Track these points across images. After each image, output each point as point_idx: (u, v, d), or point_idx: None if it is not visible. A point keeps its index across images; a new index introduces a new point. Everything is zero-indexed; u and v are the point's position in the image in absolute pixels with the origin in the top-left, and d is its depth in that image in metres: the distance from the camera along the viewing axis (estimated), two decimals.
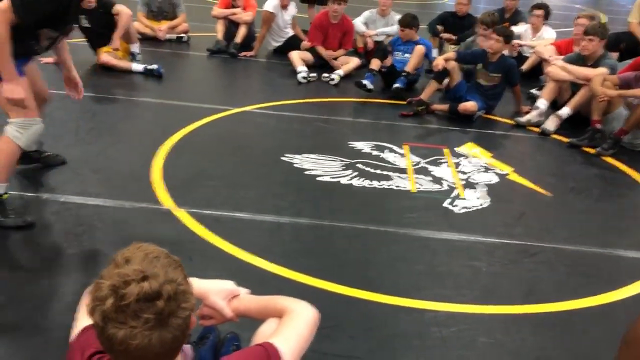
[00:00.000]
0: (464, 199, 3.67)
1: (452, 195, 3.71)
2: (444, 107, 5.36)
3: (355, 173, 3.91)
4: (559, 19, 10.28)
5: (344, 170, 3.94)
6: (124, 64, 5.92)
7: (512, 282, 2.83)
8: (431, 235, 3.19)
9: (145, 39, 7.07)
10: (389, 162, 4.15)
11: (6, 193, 2.95)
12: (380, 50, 5.90)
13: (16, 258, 2.73)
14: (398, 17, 6.41)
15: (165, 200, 3.31)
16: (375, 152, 4.30)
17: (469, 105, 5.17)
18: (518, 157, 4.57)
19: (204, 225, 3.06)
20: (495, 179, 4.03)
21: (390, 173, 3.97)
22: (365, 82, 5.59)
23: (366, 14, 6.99)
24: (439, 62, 5.29)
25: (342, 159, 4.11)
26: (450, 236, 3.20)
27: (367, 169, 4.00)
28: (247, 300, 1.61)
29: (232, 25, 7.07)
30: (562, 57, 5.59)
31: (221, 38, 6.99)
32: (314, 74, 6.19)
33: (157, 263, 1.11)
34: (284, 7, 6.85)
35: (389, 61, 5.95)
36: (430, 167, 4.12)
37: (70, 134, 4.22)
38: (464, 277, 2.84)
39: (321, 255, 2.93)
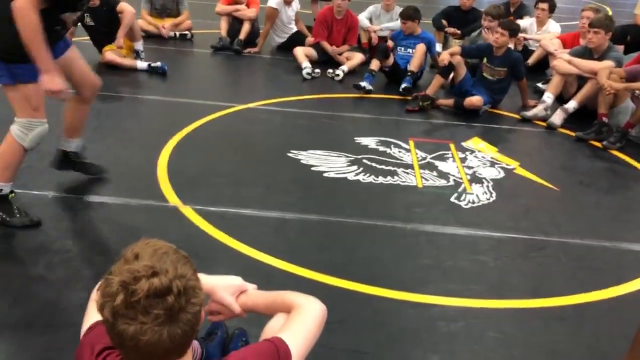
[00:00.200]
0: (471, 193, 3.66)
1: (459, 190, 3.70)
2: (450, 102, 5.34)
3: (361, 169, 3.90)
4: (564, 12, 10.23)
5: (350, 166, 3.94)
6: (128, 62, 5.92)
7: (520, 277, 2.82)
8: (438, 230, 3.18)
9: (149, 37, 7.07)
10: (395, 158, 4.13)
11: (12, 192, 2.96)
12: (381, 50, 5.84)
13: (24, 256, 2.73)
14: None
15: (172, 197, 3.31)
16: (381, 148, 4.29)
17: (475, 99, 5.15)
18: (524, 152, 4.54)
19: (211, 222, 3.06)
20: (501, 174, 4.01)
21: (396, 168, 3.96)
22: (363, 84, 5.55)
23: (370, 9, 6.97)
24: (444, 57, 5.26)
25: (348, 155, 4.10)
26: (457, 231, 3.19)
27: (373, 164, 3.99)
28: (255, 295, 1.61)
29: (235, 22, 7.06)
30: (568, 50, 5.56)
31: (225, 35, 6.98)
32: (319, 70, 6.17)
33: (166, 259, 1.11)
34: (287, 3, 6.83)
35: (390, 61, 5.90)
36: (437, 162, 4.11)
37: None
38: (471, 271, 2.83)
39: (328, 251, 2.93)
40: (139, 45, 6.10)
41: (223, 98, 5.24)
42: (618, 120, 4.82)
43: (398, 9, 6.83)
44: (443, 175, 3.91)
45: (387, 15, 6.89)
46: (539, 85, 6.07)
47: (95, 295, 1.12)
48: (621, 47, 6.01)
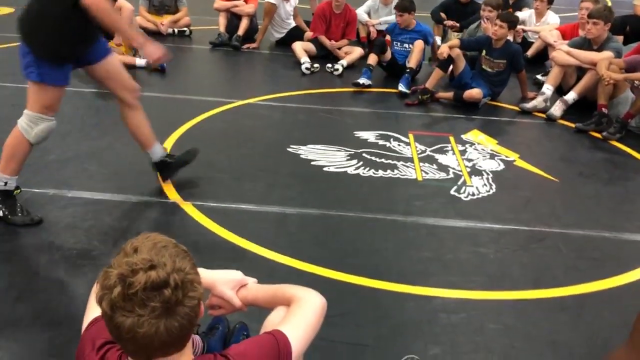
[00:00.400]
0: (471, 186, 3.66)
1: (459, 182, 3.70)
2: (449, 95, 5.34)
3: (361, 163, 3.90)
4: (563, 3, 10.19)
5: (349, 160, 3.94)
6: (127, 59, 5.91)
7: (521, 268, 2.82)
8: (438, 223, 3.19)
9: (148, 34, 7.04)
10: (394, 151, 4.14)
11: (18, 189, 2.96)
12: (378, 45, 5.81)
13: (26, 253, 2.74)
14: None
15: (172, 193, 3.31)
16: (380, 142, 4.29)
17: (474, 92, 5.14)
18: (524, 143, 4.54)
19: (211, 218, 3.07)
20: (501, 166, 4.02)
21: (396, 162, 3.96)
22: (361, 80, 5.54)
23: (369, 2, 6.95)
24: (443, 51, 5.25)
25: (347, 149, 4.11)
26: (457, 223, 3.19)
27: (373, 158, 3.99)
28: (255, 289, 1.61)
29: (234, 18, 7.05)
30: (567, 41, 5.55)
31: (223, 31, 6.97)
32: (317, 65, 6.17)
33: (165, 252, 1.12)
34: None
35: (388, 55, 5.88)
36: (436, 155, 4.11)
37: (76, 130, 4.23)
38: (472, 263, 2.83)
39: (329, 245, 2.93)
40: None
41: (222, 94, 5.24)
42: (618, 111, 4.81)
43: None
44: (443, 168, 3.91)
45: (385, 9, 6.87)
46: (539, 77, 6.06)
47: (95, 289, 1.13)
48: (620, 38, 6.00)
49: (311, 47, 6.53)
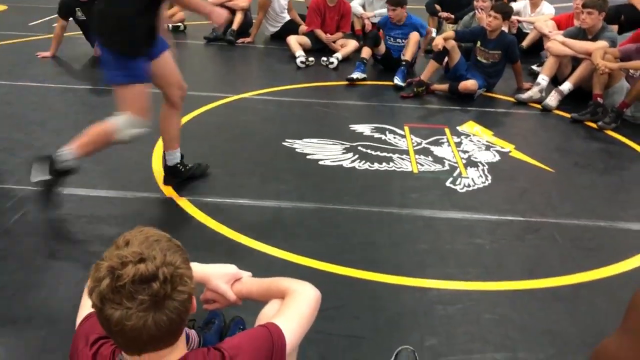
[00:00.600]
0: (466, 177, 3.66)
1: (454, 174, 3.70)
2: (444, 87, 5.33)
3: (357, 156, 3.90)
4: None
5: (345, 153, 3.94)
6: None
7: (517, 259, 2.83)
8: (434, 215, 3.19)
9: None
10: (390, 144, 4.13)
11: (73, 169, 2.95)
12: (371, 38, 5.79)
13: (22, 251, 2.73)
14: None
15: (167, 189, 3.31)
16: (376, 135, 4.29)
17: (469, 84, 5.14)
18: (520, 134, 4.54)
19: (207, 213, 3.07)
20: (497, 157, 4.02)
21: (391, 155, 3.96)
22: (355, 75, 5.52)
23: None
24: (438, 42, 5.24)
25: (343, 142, 4.10)
26: (453, 215, 3.20)
27: (369, 151, 3.99)
28: (250, 283, 1.62)
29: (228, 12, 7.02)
30: (562, 32, 5.54)
31: (218, 26, 6.94)
32: (312, 58, 6.15)
33: (156, 246, 1.12)
34: None
35: (382, 48, 5.86)
36: (432, 147, 4.11)
37: (70, 127, 4.21)
38: (468, 255, 2.84)
39: (325, 239, 2.93)
40: None
41: (217, 89, 5.23)
42: (613, 100, 4.81)
43: None
44: (438, 160, 3.91)
45: (380, 2, 6.85)
46: (534, 67, 6.05)
47: (88, 284, 1.13)
48: (615, 27, 5.99)
49: (306, 40, 6.52)
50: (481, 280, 2.63)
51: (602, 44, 4.88)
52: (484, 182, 3.62)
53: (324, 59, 6.15)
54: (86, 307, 1.35)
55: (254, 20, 7.07)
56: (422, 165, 3.82)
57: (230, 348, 1.23)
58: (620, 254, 2.89)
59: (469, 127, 4.55)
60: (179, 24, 7.34)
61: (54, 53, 5.94)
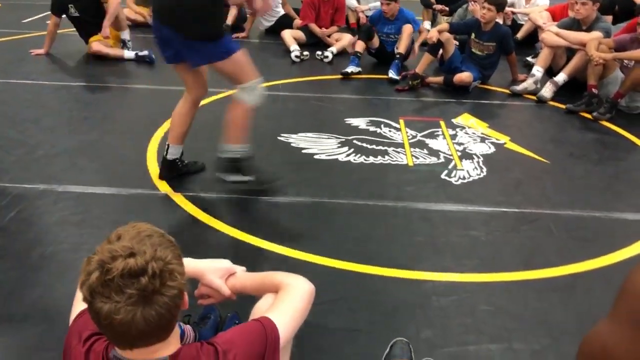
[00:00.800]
0: (461, 169, 3.67)
1: (449, 166, 3.71)
2: (439, 79, 5.32)
3: (352, 150, 3.90)
4: None
5: (340, 147, 3.94)
6: (115, 51, 5.88)
7: (512, 250, 2.84)
8: (429, 207, 3.19)
9: (136, 26, 7.02)
10: (385, 137, 4.13)
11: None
12: (364, 31, 5.77)
13: (17, 249, 2.73)
14: None
15: (162, 185, 3.31)
16: (371, 128, 4.29)
17: (464, 76, 5.13)
18: (515, 126, 4.55)
19: (202, 208, 3.07)
20: (492, 149, 4.02)
21: (387, 148, 3.96)
22: (349, 69, 5.51)
23: None
24: (432, 35, 5.23)
25: (338, 136, 4.10)
26: (449, 207, 3.20)
27: (364, 145, 3.99)
28: (244, 277, 1.62)
29: None
30: (556, 23, 5.54)
31: None
32: (307, 53, 6.14)
33: (147, 241, 1.12)
34: None
35: (376, 42, 5.84)
36: (427, 140, 4.11)
37: (64, 124, 4.21)
38: (463, 247, 2.84)
39: (321, 233, 2.94)
40: (126, 35, 6.06)
41: (211, 84, 5.13)
42: (608, 90, 4.81)
43: None
44: (433, 152, 3.91)
45: None
46: (529, 59, 6.05)
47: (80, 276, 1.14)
48: (609, 18, 5.99)
49: (301, 34, 6.50)
50: (476, 272, 2.64)
51: (596, 34, 4.88)
52: (479, 174, 3.62)
53: (319, 53, 6.14)
54: (79, 303, 1.35)
55: (248, 15, 7.05)
56: (417, 158, 3.82)
57: (223, 342, 1.24)
58: (616, 243, 2.90)
59: (464, 119, 4.55)
60: None
61: (48, 50, 5.92)
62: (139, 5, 7.25)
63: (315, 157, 3.79)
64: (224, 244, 2.79)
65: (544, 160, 3.86)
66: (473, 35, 5.32)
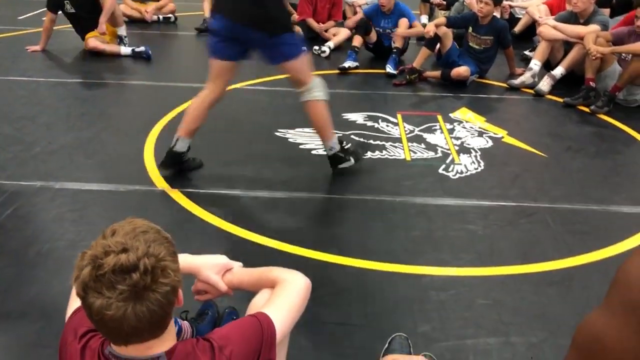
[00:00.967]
0: (459, 164, 3.66)
1: (447, 161, 3.70)
2: (437, 73, 5.31)
3: (350, 144, 3.88)
4: None
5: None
6: (111, 48, 5.86)
7: (510, 244, 2.84)
8: (427, 202, 3.19)
9: (132, 22, 7.00)
10: (383, 132, 4.13)
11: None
12: (361, 25, 5.75)
13: (14, 246, 2.72)
14: None
15: (159, 181, 3.30)
16: (369, 123, 4.28)
17: (462, 70, 5.13)
18: (513, 120, 4.54)
19: (199, 204, 3.06)
20: (489, 143, 4.02)
21: (384, 143, 3.95)
22: (346, 64, 5.50)
23: None
24: (430, 29, 5.22)
25: (336, 131, 4.07)
26: (446, 201, 3.20)
27: (362, 140, 3.98)
28: (240, 273, 1.61)
29: None
30: (554, 16, 5.53)
31: (209, 16, 6.89)
32: (305, 48, 6.11)
33: (141, 237, 1.11)
34: None
35: (373, 36, 5.82)
36: (425, 135, 4.11)
37: (61, 121, 4.20)
38: (461, 241, 2.84)
39: (318, 228, 2.94)
40: (122, 31, 6.04)
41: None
42: (605, 84, 4.81)
43: None
44: (431, 147, 3.91)
45: None
46: (526, 52, 6.04)
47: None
48: (607, 11, 5.98)
49: (298, 30, 6.47)
50: (474, 266, 2.64)
51: (594, 27, 4.87)
52: (477, 168, 3.62)
53: (316, 48, 6.12)
54: (75, 299, 1.35)
55: None
56: (414, 152, 3.82)
57: (220, 338, 1.23)
58: (613, 237, 2.90)
59: (462, 113, 4.55)
60: (170, 15, 7.29)
61: (44, 47, 5.90)
62: (136, 1, 7.22)
63: (313, 152, 3.78)
64: (221, 239, 2.79)
65: (542, 154, 3.86)
66: (470, 29, 5.31)
